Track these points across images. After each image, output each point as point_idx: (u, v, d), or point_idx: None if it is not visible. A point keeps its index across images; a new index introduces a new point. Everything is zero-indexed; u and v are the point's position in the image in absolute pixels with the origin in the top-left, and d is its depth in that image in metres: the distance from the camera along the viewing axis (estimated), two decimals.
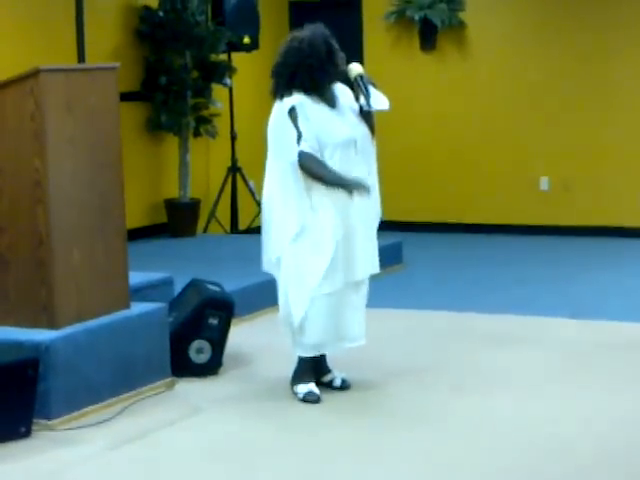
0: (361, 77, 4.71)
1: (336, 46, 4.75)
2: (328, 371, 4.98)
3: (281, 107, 4.68)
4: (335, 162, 4.68)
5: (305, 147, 4.61)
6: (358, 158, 4.77)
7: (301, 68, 4.66)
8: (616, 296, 6.94)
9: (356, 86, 4.73)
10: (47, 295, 4.60)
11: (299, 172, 4.63)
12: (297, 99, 4.65)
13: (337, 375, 4.97)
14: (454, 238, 9.46)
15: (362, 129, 4.79)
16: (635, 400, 4.74)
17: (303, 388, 4.79)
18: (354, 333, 4.84)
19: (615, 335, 5.89)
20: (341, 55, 4.76)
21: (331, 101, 4.75)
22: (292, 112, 4.63)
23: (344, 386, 4.93)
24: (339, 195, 4.67)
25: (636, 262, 8.19)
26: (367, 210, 4.80)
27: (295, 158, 4.61)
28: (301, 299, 4.70)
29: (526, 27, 9.42)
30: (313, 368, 4.87)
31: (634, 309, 6.49)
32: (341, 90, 4.83)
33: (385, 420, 4.57)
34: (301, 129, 4.61)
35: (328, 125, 4.68)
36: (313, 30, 4.76)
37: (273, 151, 4.75)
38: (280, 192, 4.71)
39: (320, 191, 4.66)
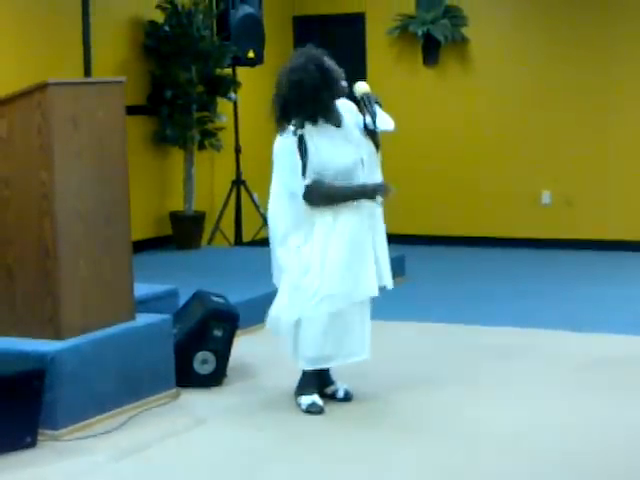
0: (368, 96, 4.73)
1: (330, 66, 4.71)
2: (331, 383, 5.01)
3: (285, 139, 4.68)
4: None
5: (309, 181, 4.66)
6: (364, 175, 4.80)
7: (297, 100, 4.65)
8: (617, 309, 6.95)
9: (362, 105, 4.75)
10: (53, 306, 4.64)
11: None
12: (303, 129, 4.66)
13: (340, 386, 4.99)
14: (456, 251, 9.49)
15: (368, 146, 4.82)
16: (636, 413, 4.76)
17: (306, 399, 4.82)
18: (356, 347, 4.83)
19: (616, 348, 5.91)
20: (338, 71, 4.73)
21: (336, 120, 4.76)
22: (300, 141, 4.64)
23: (347, 397, 4.96)
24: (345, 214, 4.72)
25: (638, 275, 8.21)
26: (375, 226, 4.84)
27: (298, 191, 4.66)
28: (295, 307, 4.73)
29: (528, 42, 9.46)
30: (317, 380, 4.91)
31: (635, 322, 6.50)
32: (345, 107, 4.83)
33: (387, 431, 4.59)
34: (306, 161, 4.64)
35: (335, 151, 4.70)
36: (305, 56, 4.71)
37: (277, 178, 4.77)
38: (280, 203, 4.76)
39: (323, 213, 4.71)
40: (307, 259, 4.69)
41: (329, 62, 4.73)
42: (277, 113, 4.73)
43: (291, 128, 4.67)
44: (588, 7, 9.26)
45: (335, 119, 4.76)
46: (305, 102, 4.65)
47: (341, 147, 4.73)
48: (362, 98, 4.73)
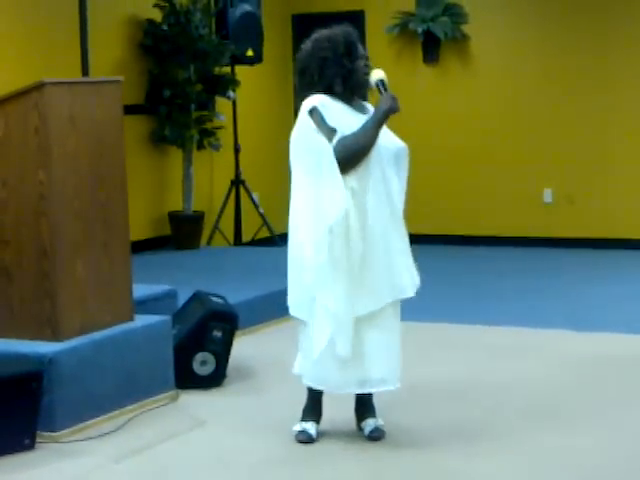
0: (382, 82, 4.40)
1: (360, 47, 4.41)
2: None
3: (301, 114, 4.32)
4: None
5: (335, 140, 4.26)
6: (377, 168, 4.46)
7: (316, 61, 4.35)
8: (619, 308, 6.94)
9: (379, 91, 4.39)
10: (51, 307, 4.61)
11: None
12: (317, 99, 4.31)
13: None
14: (457, 250, 9.47)
15: (397, 142, 4.55)
16: (636, 414, 4.74)
17: (297, 426, 4.49)
18: (375, 374, 4.42)
19: (617, 347, 5.89)
20: (364, 59, 4.40)
21: (358, 108, 4.41)
22: (313, 113, 4.26)
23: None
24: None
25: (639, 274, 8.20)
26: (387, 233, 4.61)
27: (329, 156, 4.21)
28: (325, 325, 4.28)
29: (529, 40, 9.45)
30: (317, 405, 4.54)
31: (637, 321, 6.49)
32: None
33: (387, 431, 4.55)
34: (331, 125, 4.26)
35: (350, 124, 4.31)
36: (336, 28, 4.42)
37: (302, 165, 4.30)
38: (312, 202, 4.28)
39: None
40: None
41: (359, 42, 4.43)
42: (299, 85, 4.44)
43: (304, 102, 4.34)
44: (588, 2, 9.23)
45: (357, 107, 4.40)
46: (325, 67, 4.32)
47: (357, 121, 4.33)
48: (377, 84, 4.39)
